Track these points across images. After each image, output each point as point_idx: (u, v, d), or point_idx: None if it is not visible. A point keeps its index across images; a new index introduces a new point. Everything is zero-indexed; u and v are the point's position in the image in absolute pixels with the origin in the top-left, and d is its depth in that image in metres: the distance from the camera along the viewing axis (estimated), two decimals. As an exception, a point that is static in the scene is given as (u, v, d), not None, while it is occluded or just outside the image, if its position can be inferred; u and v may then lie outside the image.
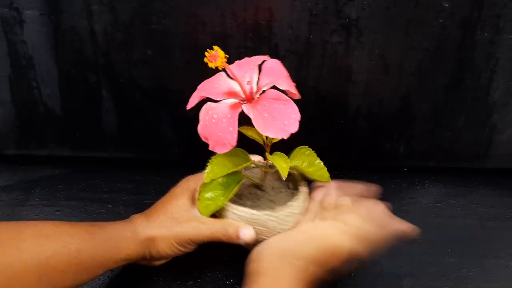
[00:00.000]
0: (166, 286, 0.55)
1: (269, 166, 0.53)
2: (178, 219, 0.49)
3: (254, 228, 0.48)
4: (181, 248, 0.49)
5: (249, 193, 0.52)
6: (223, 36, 0.61)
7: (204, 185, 0.49)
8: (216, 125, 0.42)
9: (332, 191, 0.53)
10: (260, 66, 0.48)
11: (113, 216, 0.64)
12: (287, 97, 0.43)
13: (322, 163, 0.52)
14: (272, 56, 0.62)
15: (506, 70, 0.63)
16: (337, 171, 0.75)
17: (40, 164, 0.75)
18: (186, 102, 0.62)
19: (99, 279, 0.55)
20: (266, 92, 0.44)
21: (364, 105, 0.66)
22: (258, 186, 0.53)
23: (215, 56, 0.43)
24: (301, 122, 0.66)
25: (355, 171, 0.75)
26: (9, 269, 0.39)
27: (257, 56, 0.49)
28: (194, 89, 0.64)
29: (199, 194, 0.49)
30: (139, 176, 0.73)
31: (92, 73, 0.65)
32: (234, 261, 0.57)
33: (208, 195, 0.49)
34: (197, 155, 0.50)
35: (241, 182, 0.49)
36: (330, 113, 0.67)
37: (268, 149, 0.50)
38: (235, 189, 0.48)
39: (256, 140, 0.49)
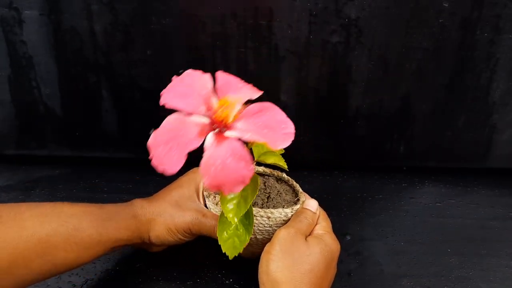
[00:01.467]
0: (166, 286, 0.55)
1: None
2: (181, 207, 0.49)
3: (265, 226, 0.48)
4: (180, 236, 0.49)
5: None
6: (223, 36, 0.61)
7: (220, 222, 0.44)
8: (224, 170, 0.36)
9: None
10: (214, 84, 0.42)
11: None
12: (266, 103, 0.40)
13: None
14: (272, 56, 0.63)
15: (506, 70, 0.63)
16: (337, 171, 0.76)
17: (40, 164, 0.75)
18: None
19: (98, 279, 0.55)
20: (247, 110, 0.39)
21: (364, 105, 0.66)
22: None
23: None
24: (301, 122, 0.66)
25: (355, 171, 0.76)
26: (11, 245, 0.40)
27: (190, 75, 0.43)
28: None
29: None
30: (139, 176, 0.73)
31: (92, 73, 0.65)
32: (234, 261, 0.57)
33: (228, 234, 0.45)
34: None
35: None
36: (330, 113, 0.67)
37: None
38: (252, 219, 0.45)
39: (278, 165, 0.47)
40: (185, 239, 0.50)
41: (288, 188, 0.53)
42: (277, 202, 0.50)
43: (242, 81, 0.43)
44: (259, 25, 0.60)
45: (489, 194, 0.71)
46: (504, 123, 0.67)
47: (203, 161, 0.36)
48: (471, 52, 0.62)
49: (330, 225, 0.50)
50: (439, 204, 0.69)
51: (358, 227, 0.64)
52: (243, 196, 0.42)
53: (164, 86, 0.67)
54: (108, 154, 0.72)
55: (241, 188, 0.37)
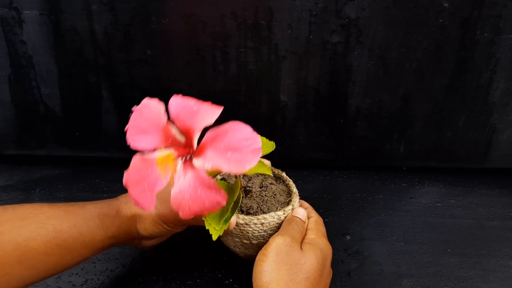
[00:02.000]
0: (166, 286, 0.55)
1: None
2: (164, 198, 0.45)
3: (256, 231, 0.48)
4: (166, 227, 0.48)
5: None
6: (223, 36, 0.61)
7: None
8: (196, 201, 0.36)
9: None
10: (167, 113, 0.40)
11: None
12: (226, 124, 0.37)
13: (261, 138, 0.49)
14: (272, 56, 0.62)
15: (506, 70, 0.63)
16: (337, 171, 0.76)
17: (40, 164, 0.75)
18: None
19: (98, 279, 0.55)
20: (205, 137, 0.37)
21: (364, 105, 0.66)
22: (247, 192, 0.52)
23: None
24: (301, 122, 0.66)
25: (355, 171, 0.76)
26: None
27: (145, 108, 0.40)
28: (194, 89, 0.65)
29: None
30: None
31: (92, 73, 0.65)
32: (233, 261, 0.57)
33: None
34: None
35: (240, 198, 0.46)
36: (330, 113, 0.67)
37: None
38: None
39: (262, 172, 0.46)
40: (173, 230, 0.48)
41: (284, 188, 0.53)
42: (271, 204, 0.50)
43: (199, 101, 0.39)
44: (259, 25, 0.60)
45: (489, 194, 0.71)
46: (504, 123, 0.67)
47: (172, 198, 0.36)
48: (471, 52, 0.62)
49: (321, 229, 0.50)
50: (439, 204, 0.69)
51: (358, 227, 0.64)
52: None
53: (164, 86, 0.67)
54: (108, 154, 0.73)
55: (218, 208, 0.36)
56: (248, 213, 0.49)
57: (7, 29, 0.61)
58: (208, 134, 0.36)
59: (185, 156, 0.38)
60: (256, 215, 0.48)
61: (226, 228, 0.43)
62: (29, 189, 0.69)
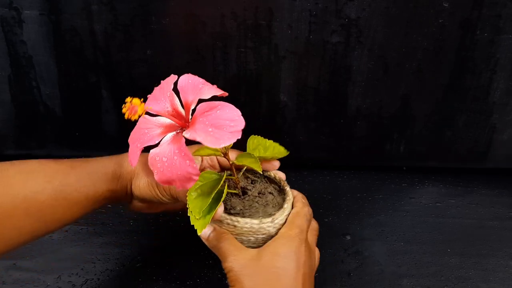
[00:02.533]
0: (166, 286, 0.55)
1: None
2: None
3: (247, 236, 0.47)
4: (158, 193, 0.47)
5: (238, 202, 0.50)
6: (223, 36, 0.61)
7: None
8: (171, 167, 0.39)
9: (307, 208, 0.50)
10: (175, 88, 0.45)
11: (113, 216, 0.65)
12: (218, 102, 0.40)
13: (271, 141, 0.50)
14: (272, 56, 0.63)
15: (506, 70, 0.63)
16: (337, 171, 0.76)
17: (40, 164, 0.75)
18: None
19: (98, 279, 0.55)
20: (196, 109, 0.41)
21: (364, 105, 0.66)
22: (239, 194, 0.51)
23: (133, 107, 0.40)
24: (301, 122, 0.66)
25: (355, 171, 0.76)
26: None
27: (166, 80, 0.46)
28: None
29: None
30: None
31: (92, 73, 0.65)
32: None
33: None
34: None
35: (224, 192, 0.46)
36: (330, 113, 0.67)
37: (228, 157, 0.47)
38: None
39: (216, 155, 0.48)
40: (164, 199, 0.48)
41: (280, 201, 0.50)
42: (255, 212, 0.48)
43: (207, 82, 0.44)
44: (259, 25, 0.60)
45: (489, 194, 0.71)
46: (504, 123, 0.67)
47: (150, 157, 0.40)
48: (471, 52, 0.62)
49: (299, 223, 0.47)
50: (439, 204, 0.69)
51: (358, 227, 0.65)
52: (203, 191, 0.44)
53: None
54: (108, 154, 0.72)
55: (191, 184, 0.39)
56: (229, 213, 0.47)
57: (7, 29, 0.61)
58: (199, 107, 0.40)
59: (180, 128, 0.42)
60: (235, 215, 0.47)
61: (207, 221, 0.43)
62: (29, 189, 0.69)
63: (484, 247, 0.61)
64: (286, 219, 0.47)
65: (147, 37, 0.61)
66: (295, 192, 0.51)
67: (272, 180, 0.53)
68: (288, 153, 0.51)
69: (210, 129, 0.38)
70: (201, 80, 0.44)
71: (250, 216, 0.47)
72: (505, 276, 0.57)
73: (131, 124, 0.69)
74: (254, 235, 0.46)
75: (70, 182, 0.44)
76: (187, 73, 0.65)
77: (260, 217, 0.47)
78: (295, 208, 0.48)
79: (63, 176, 0.44)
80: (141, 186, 0.48)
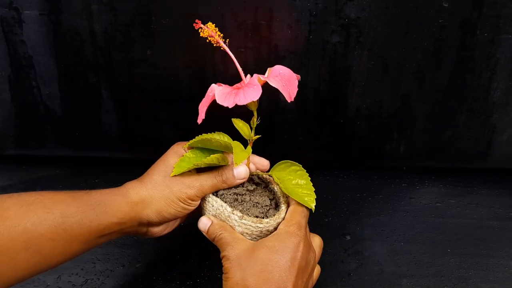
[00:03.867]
0: (166, 286, 0.55)
1: (258, 181, 0.53)
2: (176, 178, 0.47)
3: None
4: (181, 204, 0.47)
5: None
6: (223, 36, 0.61)
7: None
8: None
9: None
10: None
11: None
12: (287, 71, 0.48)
13: (313, 189, 0.49)
14: (272, 56, 0.62)
15: (506, 70, 0.63)
16: (337, 171, 0.76)
17: (40, 164, 0.75)
18: (186, 102, 0.63)
19: (98, 279, 0.55)
20: (273, 69, 0.49)
21: (364, 105, 0.66)
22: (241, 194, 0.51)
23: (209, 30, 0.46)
24: (301, 122, 0.66)
25: (355, 171, 0.76)
26: None
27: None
28: (193, 89, 0.65)
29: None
30: (139, 176, 0.73)
31: (92, 73, 0.65)
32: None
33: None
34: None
35: (219, 158, 0.48)
36: (330, 113, 0.67)
37: (250, 144, 0.50)
38: (211, 159, 0.47)
39: (242, 134, 0.50)
40: (188, 207, 0.47)
41: (263, 200, 0.50)
42: (241, 208, 0.49)
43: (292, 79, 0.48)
44: (259, 25, 0.60)
45: (489, 194, 0.71)
46: (504, 123, 0.67)
47: (218, 94, 0.46)
48: (471, 52, 0.62)
49: (298, 219, 0.47)
50: (439, 204, 0.69)
51: (358, 227, 0.65)
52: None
53: (164, 86, 0.67)
54: (108, 154, 0.73)
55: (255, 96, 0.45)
56: (221, 196, 0.49)
57: (7, 29, 0.61)
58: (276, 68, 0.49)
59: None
60: (220, 197, 0.49)
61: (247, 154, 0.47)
62: (29, 189, 0.69)
63: (484, 247, 0.61)
64: (276, 227, 0.48)
65: (147, 37, 0.61)
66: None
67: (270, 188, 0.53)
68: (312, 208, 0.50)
69: (284, 84, 0.46)
70: (291, 76, 0.49)
71: (233, 209, 0.48)
72: (505, 276, 0.57)
73: (131, 124, 0.70)
74: (252, 233, 0.47)
75: (70, 213, 0.42)
76: (187, 73, 0.66)
77: (241, 215, 0.47)
78: (292, 206, 0.49)
79: (63, 206, 0.42)
80: (160, 208, 0.46)
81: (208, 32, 0.47)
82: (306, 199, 0.48)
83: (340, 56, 0.62)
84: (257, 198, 0.50)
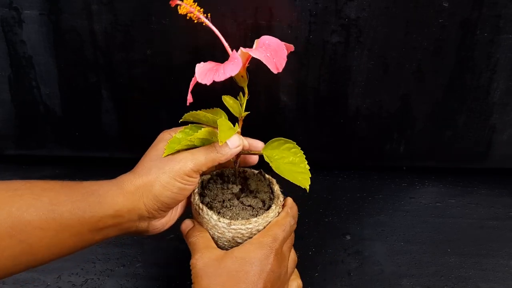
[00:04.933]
0: (166, 286, 0.55)
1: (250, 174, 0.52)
2: (168, 158, 0.44)
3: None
4: (180, 184, 0.43)
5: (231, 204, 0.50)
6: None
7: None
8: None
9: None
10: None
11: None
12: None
13: (308, 168, 0.47)
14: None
15: (506, 70, 0.63)
16: (337, 171, 0.76)
17: (40, 164, 0.75)
18: (186, 102, 0.62)
19: (98, 279, 0.55)
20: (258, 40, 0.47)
21: (364, 105, 0.66)
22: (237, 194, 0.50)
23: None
24: (301, 122, 0.66)
25: (355, 171, 0.76)
26: None
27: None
28: (194, 89, 0.65)
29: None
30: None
31: (92, 73, 0.65)
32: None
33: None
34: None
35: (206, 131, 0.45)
36: (330, 113, 0.67)
37: (240, 123, 0.47)
38: (199, 134, 0.44)
39: (232, 111, 0.48)
40: (184, 186, 0.44)
41: (256, 203, 0.49)
42: (229, 211, 0.48)
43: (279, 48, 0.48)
44: (259, 25, 0.60)
45: (489, 194, 0.71)
46: (504, 123, 0.67)
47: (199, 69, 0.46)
48: (471, 52, 0.62)
49: (276, 231, 0.46)
50: (439, 204, 0.69)
51: (358, 227, 0.65)
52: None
53: (164, 86, 0.67)
54: (108, 154, 0.72)
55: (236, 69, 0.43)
56: (207, 204, 0.48)
57: (7, 29, 0.61)
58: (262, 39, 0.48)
59: None
60: (207, 205, 0.47)
61: (232, 133, 0.44)
62: (29, 189, 0.69)
63: (484, 247, 0.61)
64: (271, 219, 0.47)
65: (147, 37, 0.61)
66: (289, 200, 0.50)
67: (267, 183, 0.52)
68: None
69: (268, 54, 0.44)
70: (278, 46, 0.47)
71: (220, 213, 0.47)
72: (505, 276, 0.57)
73: (131, 124, 0.70)
74: (243, 236, 0.46)
75: (60, 201, 0.39)
76: (187, 73, 0.65)
77: (230, 220, 0.46)
78: (278, 217, 0.47)
79: (52, 194, 0.40)
80: (158, 194, 0.43)
81: (187, 9, 0.44)
82: (300, 178, 0.45)
83: (340, 56, 0.62)
84: (249, 200, 0.49)
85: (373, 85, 0.64)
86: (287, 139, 0.48)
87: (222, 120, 0.44)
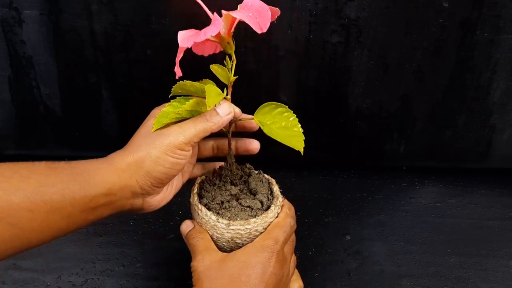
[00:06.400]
0: (166, 286, 0.55)
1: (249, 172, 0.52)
2: (157, 133, 0.44)
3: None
4: (171, 159, 0.42)
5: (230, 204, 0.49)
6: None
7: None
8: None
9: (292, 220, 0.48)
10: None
11: (113, 216, 0.64)
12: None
13: (301, 131, 0.46)
14: (272, 57, 0.63)
15: (506, 70, 0.63)
16: (337, 171, 0.76)
17: (40, 164, 0.75)
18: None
19: (98, 279, 0.55)
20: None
21: (364, 105, 0.66)
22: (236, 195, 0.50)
23: None
24: (301, 122, 0.66)
25: (355, 171, 0.76)
26: None
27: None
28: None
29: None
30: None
31: (92, 73, 0.65)
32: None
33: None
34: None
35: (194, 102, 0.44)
36: (330, 113, 0.67)
37: (230, 89, 0.46)
38: (187, 105, 0.44)
39: (221, 78, 0.47)
40: (176, 160, 0.43)
41: (254, 203, 0.49)
42: (227, 212, 0.48)
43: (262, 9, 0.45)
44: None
45: (489, 194, 0.71)
46: (504, 123, 0.67)
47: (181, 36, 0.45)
48: (471, 52, 0.62)
49: (277, 233, 0.46)
50: (439, 204, 0.69)
51: (358, 227, 0.65)
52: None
53: (164, 86, 0.67)
54: (108, 154, 0.72)
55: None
56: (206, 205, 0.48)
57: (7, 29, 0.61)
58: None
59: None
60: (206, 206, 0.47)
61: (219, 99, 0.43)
62: (29, 189, 0.69)
63: (484, 247, 0.61)
64: (266, 227, 0.46)
65: (147, 37, 0.61)
66: (285, 201, 0.50)
67: (266, 183, 0.52)
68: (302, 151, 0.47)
69: (250, 14, 0.42)
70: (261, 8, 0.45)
71: (219, 214, 0.47)
72: (505, 276, 0.57)
73: (131, 124, 0.70)
74: (242, 236, 0.46)
75: (49, 182, 0.38)
76: (187, 73, 0.65)
77: (228, 220, 0.46)
78: (277, 218, 0.47)
79: (40, 176, 0.39)
80: (151, 170, 0.42)
81: None
82: (293, 141, 0.45)
83: (340, 56, 0.62)
84: (247, 201, 0.49)
85: (373, 85, 0.64)
86: (278, 103, 0.47)
87: (210, 86, 0.43)
